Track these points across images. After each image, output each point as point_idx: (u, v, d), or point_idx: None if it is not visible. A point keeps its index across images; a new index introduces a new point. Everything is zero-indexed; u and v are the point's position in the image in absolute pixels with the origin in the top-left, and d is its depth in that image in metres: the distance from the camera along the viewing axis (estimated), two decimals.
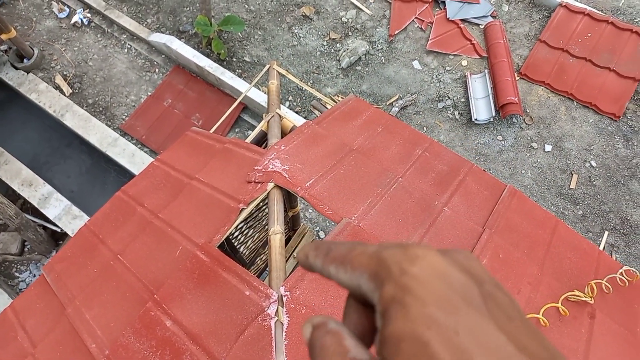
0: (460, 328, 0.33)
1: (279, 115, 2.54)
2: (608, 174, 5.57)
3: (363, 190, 2.15)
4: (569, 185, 5.54)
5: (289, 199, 3.47)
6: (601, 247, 4.88)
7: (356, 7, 7.03)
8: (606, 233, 5.22)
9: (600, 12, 6.46)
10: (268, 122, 2.49)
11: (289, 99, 6.44)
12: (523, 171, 5.66)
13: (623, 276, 2.14)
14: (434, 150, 2.58)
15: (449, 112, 6.19)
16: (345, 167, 2.25)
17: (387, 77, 6.52)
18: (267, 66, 2.91)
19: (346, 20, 6.97)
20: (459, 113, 6.13)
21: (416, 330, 0.33)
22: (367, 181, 2.21)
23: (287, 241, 4.19)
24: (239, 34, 6.85)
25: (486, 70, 6.22)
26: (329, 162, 2.24)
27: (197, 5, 7.03)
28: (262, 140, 2.62)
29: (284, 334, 1.42)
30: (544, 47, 6.26)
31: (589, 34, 6.19)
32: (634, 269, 2.23)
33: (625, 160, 5.64)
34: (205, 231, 1.88)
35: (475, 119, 5.91)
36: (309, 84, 6.55)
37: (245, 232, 3.00)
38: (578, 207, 5.43)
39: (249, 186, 2.01)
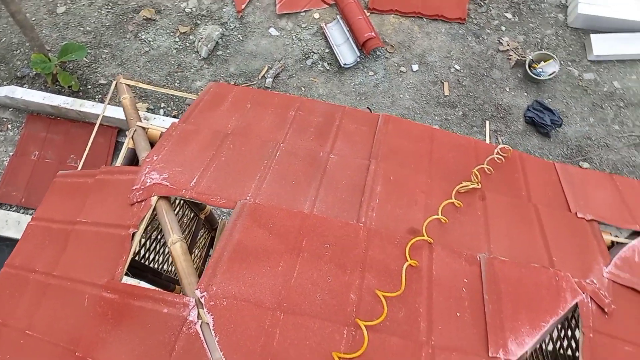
0: None
1: (142, 127, 2.45)
2: (472, 72, 6.04)
3: (249, 168, 2.15)
4: (444, 93, 5.94)
5: (195, 203, 3.40)
6: (487, 136, 5.33)
7: None
8: (487, 122, 5.70)
9: None
10: (132, 137, 2.39)
11: (162, 106, 6.19)
12: (401, 95, 5.97)
13: (499, 154, 2.37)
14: (307, 107, 2.63)
15: (319, 66, 6.29)
16: (226, 153, 2.24)
17: (251, 52, 6.46)
18: (114, 83, 2.77)
19: (190, 11, 6.74)
20: (328, 64, 6.26)
21: None
22: (250, 159, 2.22)
23: (211, 242, 4.13)
24: (84, 59, 6.39)
25: (338, 16, 6.37)
26: (207, 155, 2.21)
27: (27, 44, 6.41)
28: (134, 158, 2.51)
29: (213, 331, 1.43)
30: None
31: None
32: (507, 145, 2.48)
33: (482, 54, 6.14)
34: (105, 270, 1.79)
35: (344, 64, 6.08)
36: (175, 84, 6.33)
37: (159, 251, 2.90)
38: (457, 109, 5.86)
39: (134, 208, 1.94)
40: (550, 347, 2.06)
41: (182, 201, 3.07)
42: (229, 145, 2.28)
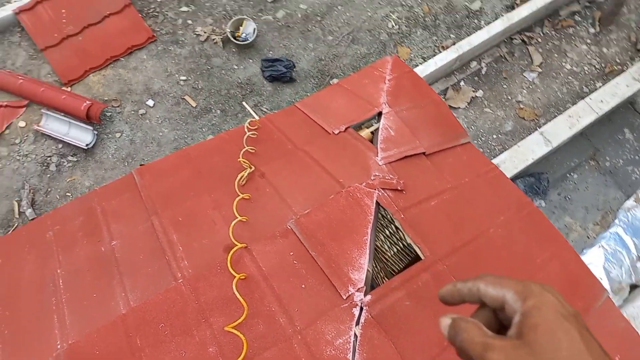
0: (574, 333, 0.59)
1: None
2: (198, 73, 6.10)
3: (42, 318, 1.87)
4: (192, 106, 5.92)
5: None
6: (253, 114, 5.52)
7: None
8: (244, 103, 5.89)
9: None
10: None
11: None
12: (160, 134, 5.77)
13: (251, 130, 2.45)
14: (60, 217, 2.36)
15: (65, 164, 5.71)
16: (5, 325, 1.90)
17: None
18: None
19: None
20: (72, 156, 5.72)
21: (547, 321, 0.59)
22: (37, 308, 1.93)
23: None
24: None
25: (43, 110, 5.78)
26: None
27: None
28: None
29: None
30: (52, 51, 5.99)
31: (63, 10, 6.14)
32: (253, 118, 2.57)
33: (192, 54, 6.19)
34: None
35: (87, 145, 5.62)
36: None
37: None
38: (213, 110, 5.92)
39: None
40: (394, 250, 2.26)
41: None
42: (3, 314, 1.94)
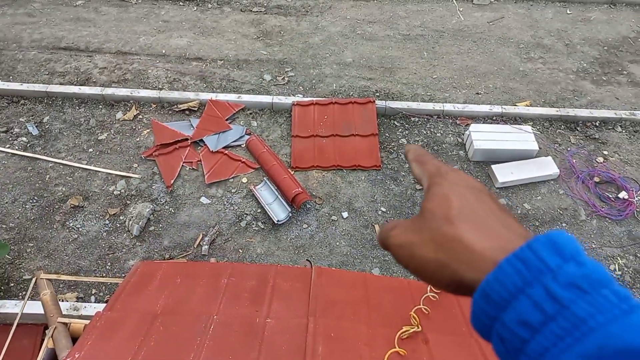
0: (468, 195, 0.57)
1: (64, 324, 2.28)
2: (397, 212, 6.41)
3: (182, 349, 2.02)
4: (377, 235, 6.16)
5: None
6: None
7: (123, 177, 7.00)
8: None
9: (324, 98, 7.74)
10: (52, 336, 2.21)
11: (93, 292, 5.87)
12: (337, 243, 6.12)
13: (433, 292, 2.42)
14: (239, 272, 2.62)
15: (253, 226, 6.42)
16: (155, 336, 2.11)
17: (184, 223, 6.51)
18: (33, 280, 2.64)
19: (119, 193, 6.85)
20: (262, 223, 6.41)
21: (443, 190, 0.58)
22: (183, 338, 2.10)
23: None
24: (7, 256, 6.09)
25: (265, 178, 6.74)
26: (135, 342, 2.07)
27: None
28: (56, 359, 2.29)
29: None
30: (299, 140, 7.16)
31: (325, 117, 7.35)
32: None
33: (402, 195, 6.61)
34: None
35: (278, 221, 6.26)
36: (107, 267, 6.11)
37: None
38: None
39: None
40: None
41: None
42: (158, 327, 2.16)
